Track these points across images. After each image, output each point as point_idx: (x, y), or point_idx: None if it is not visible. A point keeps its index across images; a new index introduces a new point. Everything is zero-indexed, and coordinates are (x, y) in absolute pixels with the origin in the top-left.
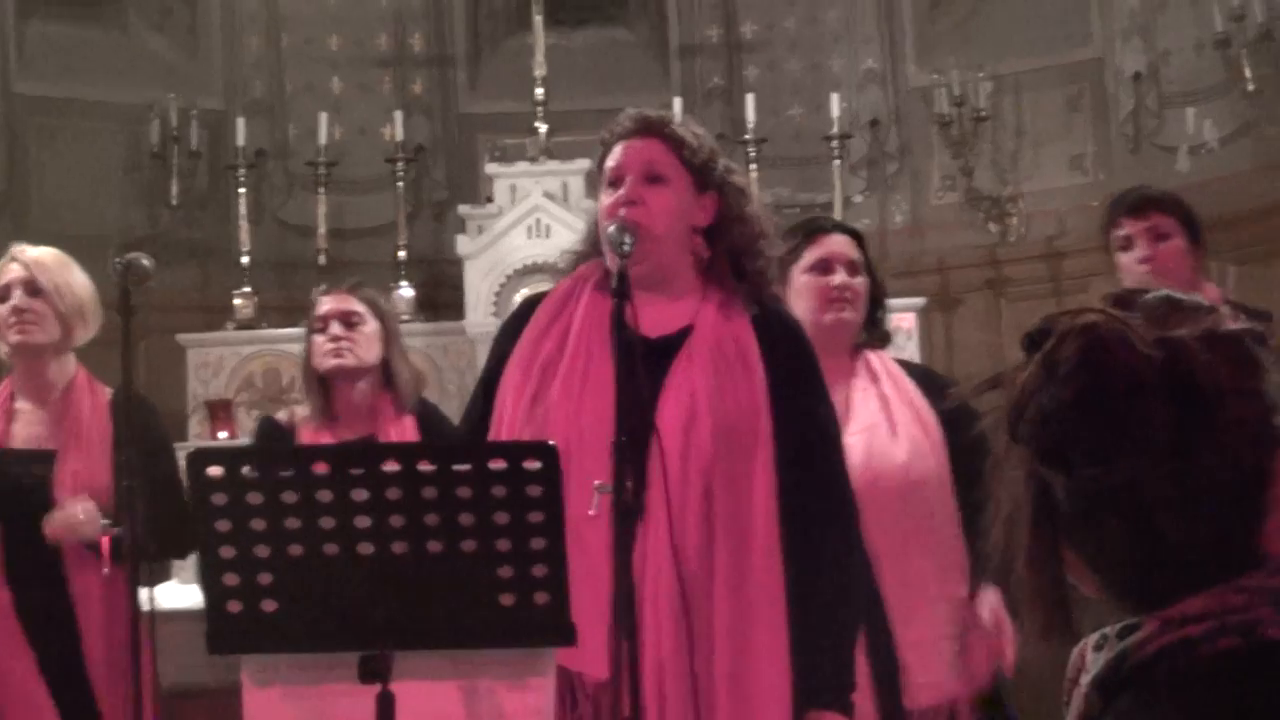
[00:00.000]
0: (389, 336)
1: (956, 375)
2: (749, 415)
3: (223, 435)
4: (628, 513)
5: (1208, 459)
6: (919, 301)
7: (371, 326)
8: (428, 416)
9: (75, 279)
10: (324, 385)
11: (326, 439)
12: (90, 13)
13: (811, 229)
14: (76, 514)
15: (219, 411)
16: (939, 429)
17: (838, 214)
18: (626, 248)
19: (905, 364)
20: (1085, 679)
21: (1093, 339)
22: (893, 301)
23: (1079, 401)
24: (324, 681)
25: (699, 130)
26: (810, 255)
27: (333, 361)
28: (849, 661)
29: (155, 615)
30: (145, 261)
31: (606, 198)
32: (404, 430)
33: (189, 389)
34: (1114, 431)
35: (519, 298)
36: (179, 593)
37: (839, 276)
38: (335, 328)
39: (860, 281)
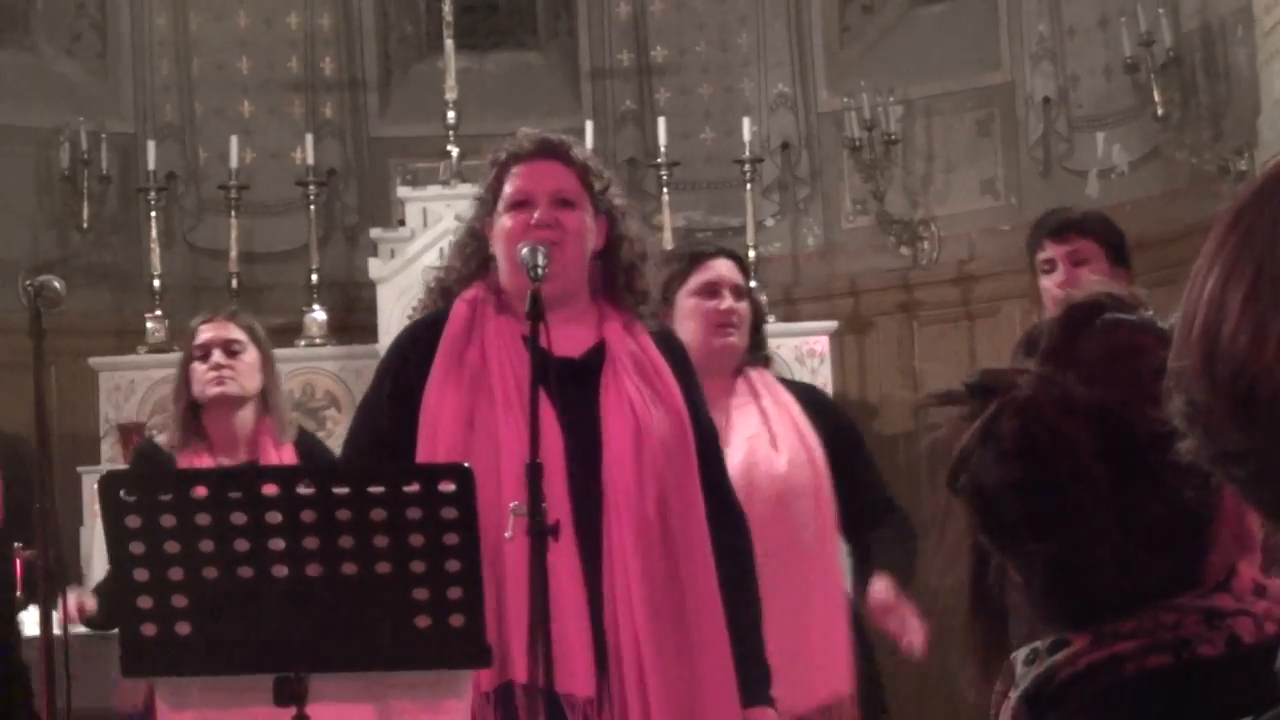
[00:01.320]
0: (267, 364)
1: (870, 397)
2: (679, 426)
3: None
4: (542, 533)
5: (1153, 509)
6: (832, 325)
7: (252, 355)
8: (306, 445)
9: None
10: (196, 413)
11: (206, 464)
12: None
13: (697, 253)
14: None
15: (131, 435)
16: (819, 444)
17: (750, 238)
18: (541, 270)
19: (787, 382)
20: (1014, 693)
21: (1030, 418)
22: (805, 325)
23: (1020, 486)
24: (239, 705)
25: (591, 154)
26: (697, 279)
27: (215, 390)
28: (765, 658)
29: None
30: (57, 284)
31: (509, 218)
32: (284, 458)
33: (101, 412)
34: (1056, 510)
35: (396, 337)
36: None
37: (726, 301)
38: (217, 355)
39: (745, 305)
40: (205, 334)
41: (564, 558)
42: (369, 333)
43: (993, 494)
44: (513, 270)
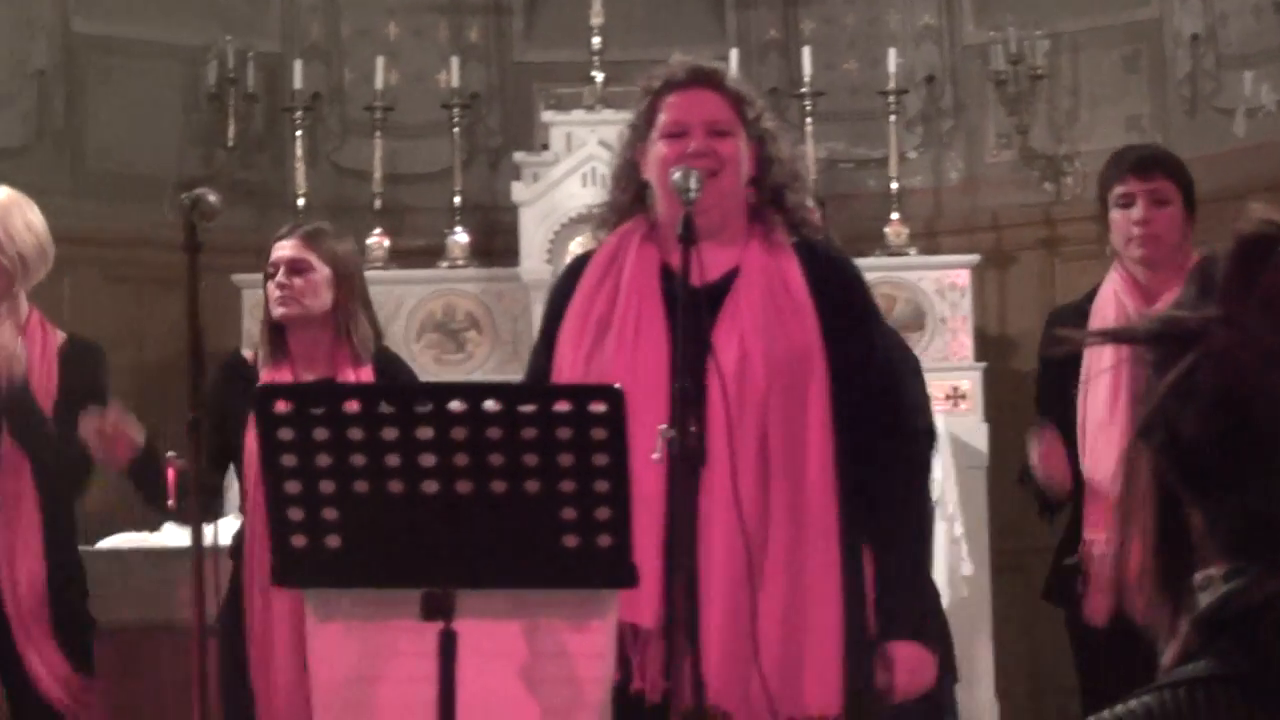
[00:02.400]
0: (342, 284)
1: (1010, 332)
2: (801, 352)
3: None
4: (687, 458)
5: None
6: (973, 259)
7: (321, 274)
8: (387, 364)
9: (17, 226)
10: (278, 330)
11: (285, 379)
12: None
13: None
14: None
15: None
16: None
17: (892, 170)
18: (693, 194)
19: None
20: (1188, 616)
21: (1230, 374)
22: (946, 258)
23: (1221, 439)
24: (386, 618)
25: (743, 81)
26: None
27: (278, 310)
28: (923, 592)
29: (217, 551)
30: (212, 198)
31: (664, 146)
32: (362, 377)
33: (244, 329)
34: (1256, 460)
35: (574, 245)
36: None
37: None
38: (281, 275)
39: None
40: (275, 253)
41: (657, 484)
42: (510, 256)
43: (1190, 446)
44: (665, 196)
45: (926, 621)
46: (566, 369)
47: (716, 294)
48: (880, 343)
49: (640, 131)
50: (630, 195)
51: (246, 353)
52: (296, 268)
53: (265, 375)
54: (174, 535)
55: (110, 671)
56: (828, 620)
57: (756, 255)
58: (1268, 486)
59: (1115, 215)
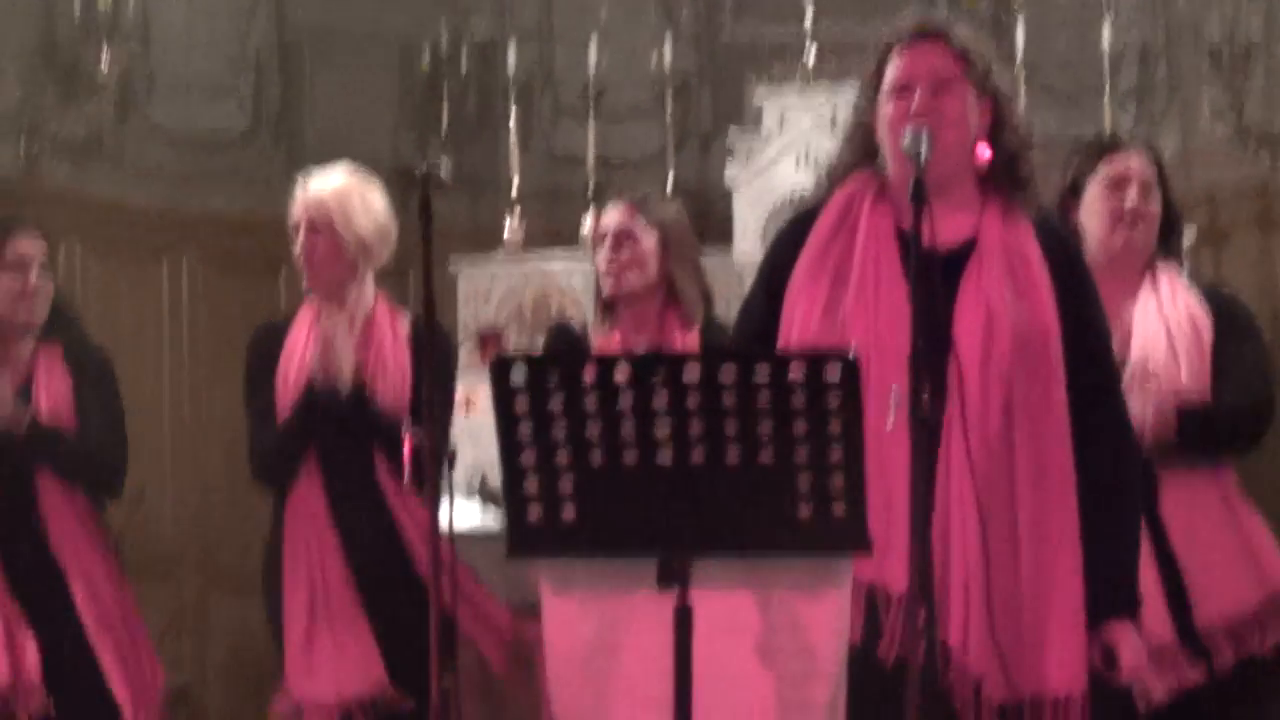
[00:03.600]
0: (669, 250)
1: None
2: (1042, 326)
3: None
4: (925, 424)
5: None
6: (1189, 234)
7: (647, 243)
8: (712, 334)
9: (355, 208)
10: (609, 302)
11: (615, 348)
12: None
13: (1109, 144)
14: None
15: (489, 340)
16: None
17: None
18: (925, 156)
19: (1204, 289)
20: None
21: None
22: None
23: None
24: (623, 588)
25: (975, 36)
26: (1105, 171)
27: (606, 282)
28: (1135, 572)
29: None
30: (444, 171)
31: (890, 105)
32: (689, 344)
33: (459, 316)
34: None
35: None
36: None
37: (1131, 198)
38: (609, 248)
39: (1154, 204)
40: (603, 223)
41: (901, 450)
42: (723, 239)
43: None
44: (896, 158)
45: (1138, 602)
46: (800, 318)
47: (953, 261)
48: (1102, 324)
49: (869, 92)
50: (860, 155)
51: (575, 321)
52: (621, 239)
53: (598, 342)
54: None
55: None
56: (1071, 597)
57: (994, 225)
58: None
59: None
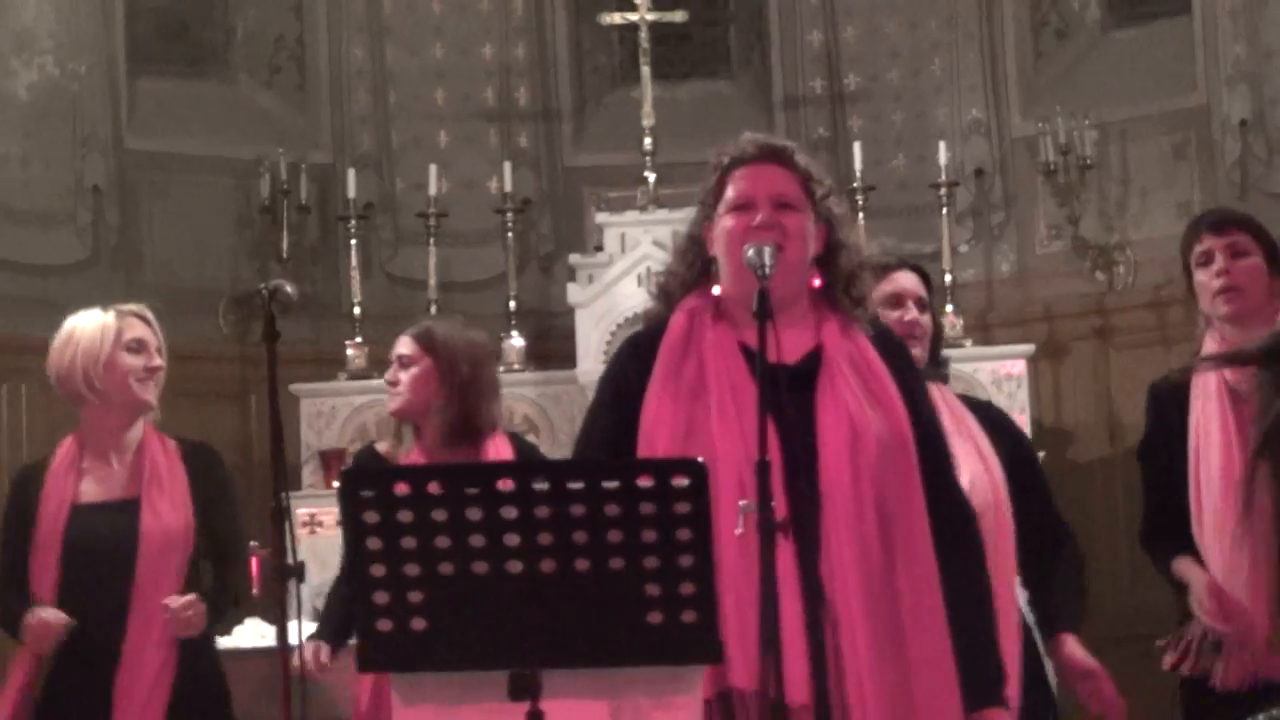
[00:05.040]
0: (445, 375)
1: (1065, 423)
2: (899, 430)
3: (336, 485)
4: (770, 531)
5: None
6: (1028, 349)
7: (420, 367)
8: (521, 449)
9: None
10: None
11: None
12: (200, 69)
13: (883, 265)
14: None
15: (333, 461)
16: (998, 464)
17: (945, 263)
18: (768, 270)
19: (965, 399)
20: None
21: None
22: (1001, 349)
23: None
24: (473, 700)
25: (813, 161)
26: (881, 291)
27: (389, 406)
28: (999, 658)
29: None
30: (289, 288)
31: (731, 219)
32: (502, 451)
33: (302, 439)
34: None
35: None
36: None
37: (910, 313)
38: (391, 371)
39: (927, 318)
40: (394, 349)
41: (782, 562)
42: (565, 360)
43: None
44: (736, 272)
45: (1004, 689)
46: (665, 439)
47: (802, 374)
48: (938, 422)
49: (707, 208)
50: (695, 270)
51: (380, 446)
52: (404, 363)
53: (404, 460)
54: (250, 636)
55: None
56: (953, 689)
57: (834, 337)
58: None
59: (1199, 277)
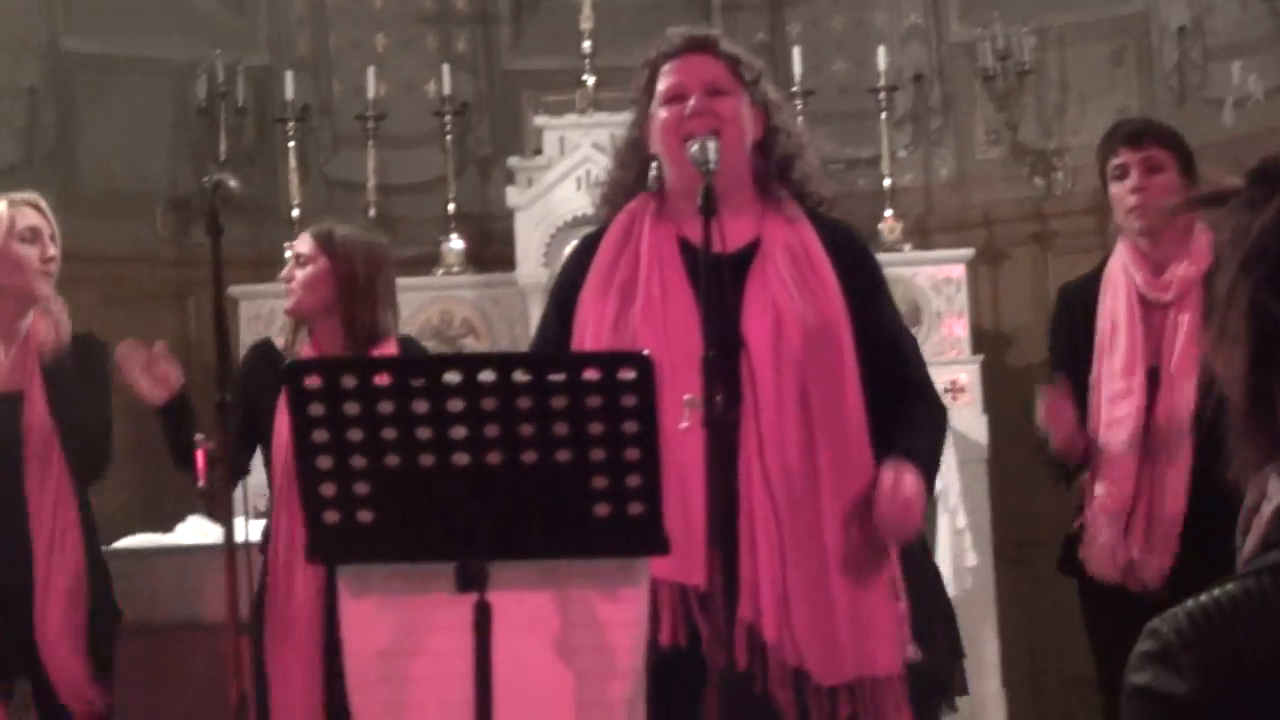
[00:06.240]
0: (341, 276)
1: (1004, 327)
2: (830, 320)
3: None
4: (718, 426)
5: None
6: (967, 253)
7: (316, 266)
8: (409, 346)
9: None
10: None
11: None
12: None
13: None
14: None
15: None
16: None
17: (884, 168)
18: (712, 166)
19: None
20: (1268, 505)
21: None
22: (940, 253)
23: None
24: (420, 591)
25: (742, 48)
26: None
27: (287, 304)
28: (938, 461)
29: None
30: (232, 182)
31: (665, 110)
32: (386, 352)
33: (241, 340)
34: None
35: (569, 249)
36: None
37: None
38: (287, 269)
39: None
40: (294, 245)
41: (694, 452)
42: (505, 263)
43: None
44: (677, 166)
45: (933, 474)
46: (591, 335)
47: (738, 264)
48: (894, 310)
49: (641, 106)
50: (634, 172)
51: (277, 339)
52: (301, 261)
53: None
54: (193, 533)
55: (135, 674)
56: (881, 578)
57: (775, 226)
58: None
59: (1114, 189)
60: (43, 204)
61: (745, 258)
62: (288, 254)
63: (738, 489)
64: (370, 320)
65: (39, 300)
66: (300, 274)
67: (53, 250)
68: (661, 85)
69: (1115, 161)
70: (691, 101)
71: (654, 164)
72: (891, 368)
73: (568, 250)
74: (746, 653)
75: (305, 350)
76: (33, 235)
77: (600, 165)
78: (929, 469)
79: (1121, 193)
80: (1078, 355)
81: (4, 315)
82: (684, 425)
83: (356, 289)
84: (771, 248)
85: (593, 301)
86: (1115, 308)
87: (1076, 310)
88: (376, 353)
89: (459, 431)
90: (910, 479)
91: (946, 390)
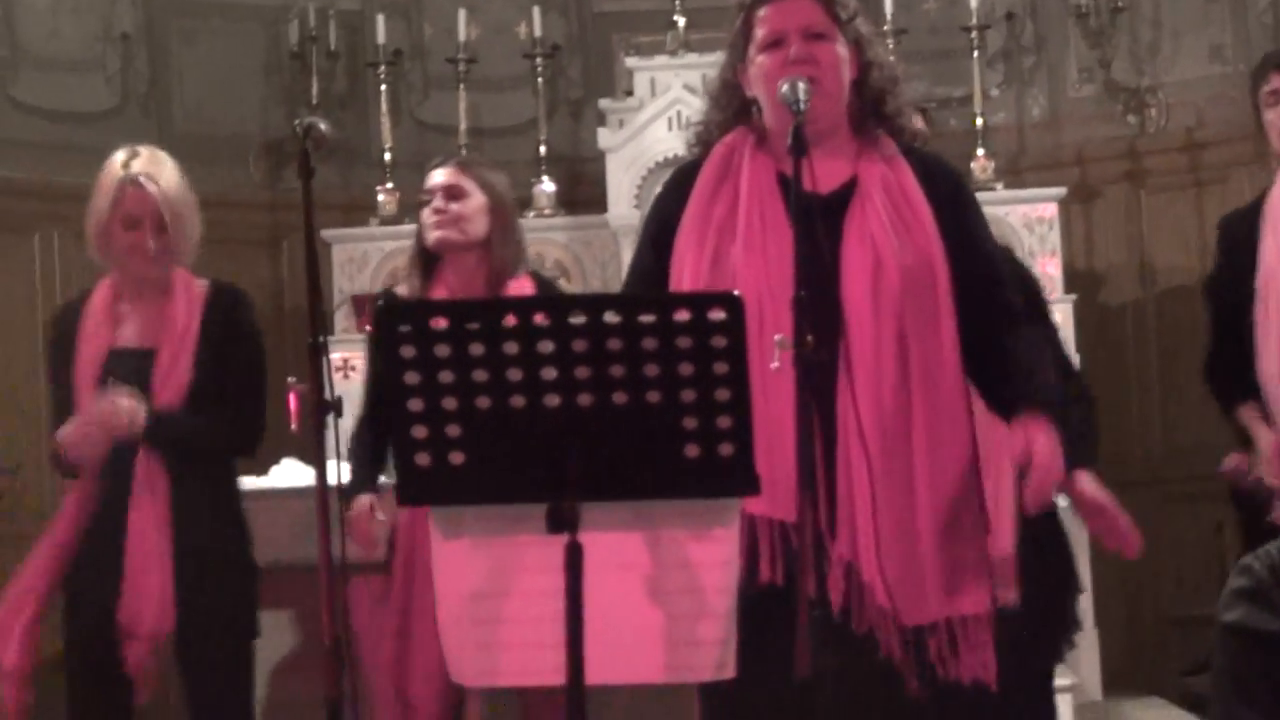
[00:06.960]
0: (496, 211)
1: (1096, 266)
2: (927, 258)
3: (368, 329)
4: (810, 366)
5: None
6: (1060, 192)
7: (476, 200)
8: (544, 288)
9: (185, 201)
10: (430, 260)
11: None
12: None
13: None
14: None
15: (365, 306)
16: None
17: (976, 107)
18: (802, 105)
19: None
20: None
21: None
22: (1032, 192)
23: None
24: (512, 532)
25: None
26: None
27: (434, 234)
28: (1052, 379)
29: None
30: (323, 125)
31: (765, 57)
32: (525, 291)
33: (335, 285)
34: None
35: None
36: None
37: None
38: (439, 201)
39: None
40: (433, 180)
41: (790, 398)
42: (596, 205)
43: None
44: (774, 109)
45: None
46: (689, 274)
47: (835, 205)
48: (989, 235)
49: (737, 50)
50: (730, 113)
51: (400, 289)
52: (454, 194)
53: None
54: (287, 476)
55: None
56: (970, 520)
57: (872, 166)
58: None
59: (1267, 115)
60: (158, 175)
61: (843, 199)
62: (380, 197)
63: (834, 430)
64: (516, 255)
65: (151, 276)
66: (456, 206)
67: (151, 244)
68: (759, 31)
69: (1267, 89)
70: (792, 50)
71: (753, 108)
72: (992, 296)
73: (662, 184)
74: (844, 592)
75: (439, 291)
76: (133, 223)
77: (691, 106)
78: (1059, 409)
79: (1276, 118)
80: (1240, 290)
81: (134, 278)
82: (775, 365)
83: (508, 223)
84: (869, 188)
85: (692, 237)
86: (1276, 241)
87: (1241, 242)
88: (512, 288)
89: (550, 373)
90: (1045, 445)
91: None
